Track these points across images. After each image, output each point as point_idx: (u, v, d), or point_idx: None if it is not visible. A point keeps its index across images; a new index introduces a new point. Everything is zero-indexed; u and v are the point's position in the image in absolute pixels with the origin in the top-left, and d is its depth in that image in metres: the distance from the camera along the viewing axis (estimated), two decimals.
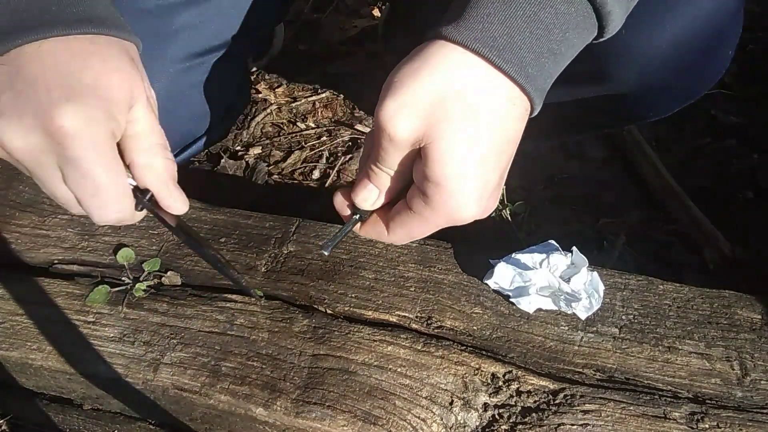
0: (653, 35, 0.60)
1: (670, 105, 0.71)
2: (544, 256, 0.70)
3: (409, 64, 0.42)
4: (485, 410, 0.62)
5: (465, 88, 0.41)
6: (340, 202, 0.51)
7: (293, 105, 1.32)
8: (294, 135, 1.26)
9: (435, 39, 0.43)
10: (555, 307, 0.68)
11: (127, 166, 0.47)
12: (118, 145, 0.46)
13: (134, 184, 0.48)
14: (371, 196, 0.48)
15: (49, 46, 0.42)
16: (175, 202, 0.49)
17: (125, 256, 0.74)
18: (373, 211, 0.50)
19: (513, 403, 0.62)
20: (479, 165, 0.42)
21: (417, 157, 0.44)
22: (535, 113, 0.46)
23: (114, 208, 0.45)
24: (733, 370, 0.64)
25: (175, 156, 0.83)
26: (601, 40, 0.46)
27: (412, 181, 0.46)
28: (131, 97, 0.45)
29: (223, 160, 1.21)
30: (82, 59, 0.43)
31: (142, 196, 0.48)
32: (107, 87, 0.43)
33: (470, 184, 0.42)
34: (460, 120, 0.41)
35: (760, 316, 0.69)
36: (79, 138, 0.41)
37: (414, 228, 0.47)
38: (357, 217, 0.50)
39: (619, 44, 0.59)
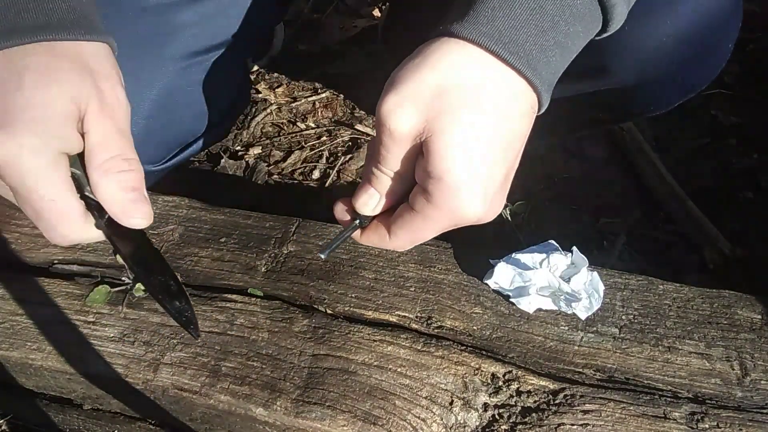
0: (653, 28, 0.60)
1: (670, 99, 0.71)
2: (544, 256, 0.70)
3: (411, 61, 0.42)
4: (485, 410, 0.62)
5: (467, 81, 0.40)
6: (340, 210, 0.49)
7: (293, 105, 1.32)
8: (294, 135, 1.26)
9: (438, 36, 0.42)
10: (555, 307, 0.68)
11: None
12: (83, 157, 0.43)
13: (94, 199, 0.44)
14: (372, 200, 0.47)
15: None
16: (131, 219, 0.44)
17: None
18: (374, 217, 0.49)
19: (513, 403, 0.62)
20: (483, 159, 0.41)
21: (419, 156, 0.43)
22: (543, 109, 0.45)
23: (60, 232, 0.43)
24: (733, 370, 0.64)
25: (175, 156, 0.83)
26: (605, 35, 0.46)
27: (413, 185, 0.45)
28: (76, 108, 0.42)
29: (223, 160, 1.22)
30: (17, 77, 0.40)
31: (98, 215, 0.44)
32: (43, 105, 0.40)
33: (473, 178, 0.41)
34: (462, 113, 0.40)
35: (760, 316, 0.69)
36: (11, 168, 0.39)
37: (417, 230, 0.45)
38: (357, 222, 0.49)
39: (618, 38, 0.59)
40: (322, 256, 0.49)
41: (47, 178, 0.41)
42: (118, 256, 0.45)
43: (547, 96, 0.43)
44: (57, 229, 0.43)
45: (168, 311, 0.45)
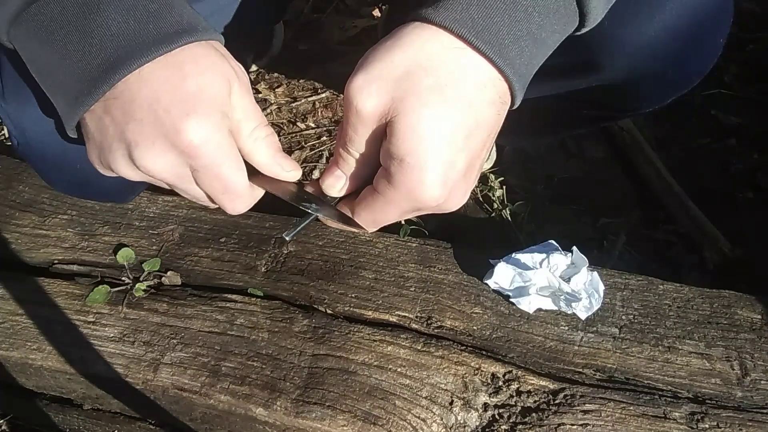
0: (642, 23, 0.60)
1: (662, 95, 0.70)
2: (544, 256, 0.70)
3: (383, 43, 0.42)
4: (485, 410, 0.62)
5: (436, 65, 0.41)
6: (310, 189, 0.50)
7: (293, 105, 1.32)
8: (294, 135, 1.26)
9: (412, 20, 0.42)
10: (555, 307, 0.68)
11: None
12: None
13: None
14: (338, 182, 0.47)
15: (148, 69, 0.43)
16: (288, 172, 0.50)
17: (125, 256, 0.74)
18: (339, 199, 0.49)
19: (513, 403, 0.62)
20: (444, 143, 0.41)
21: (383, 138, 0.43)
22: (517, 102, 0.45)
23: (243, 200, 0.48)
24: (733, 370, 0.64)
25: None
26: (584, 30, 0.46)
27: (379, 168, 0.45)
28: (228, 86, 0.46)
29: None
30: (180, 70, 0.44)
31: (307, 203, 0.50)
32: (210, 88, 0.45)
33: (434, 162, 0.41)
34: (427, 95, 0.40)
35: (760, 316, 0.69)
36: (206, 147, 0.43)
37: (378, 211, 0.45)
38: (316, 207, 0.49)
39: (608, 33, 0.59)
40: (287, 238, 0.50)
41: (233, 153, 0.46)
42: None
43: (519, 87, 0.43)
44: (241, 199, 0.48)
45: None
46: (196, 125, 0.43)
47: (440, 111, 0.40)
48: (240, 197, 0.48)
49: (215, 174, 0.45)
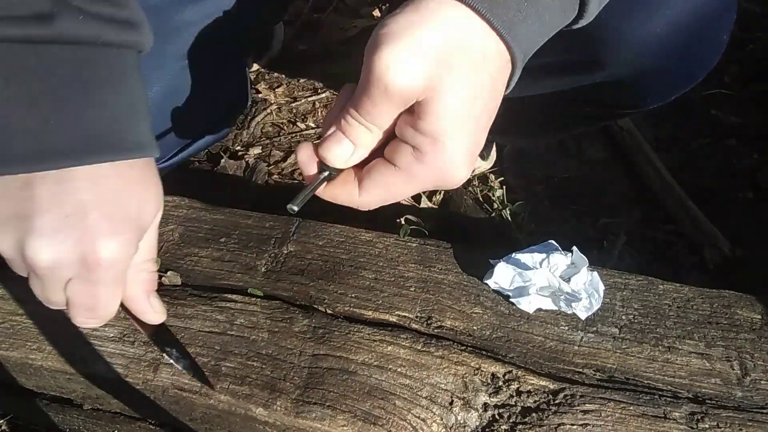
0: (648, 18, 0.61)
1: (665, 92, 0.71)
2: (544, 255, 0.70)
3: (404, 16, 0.40)
4: (485, 410, 0.62)
5: (468, 44, 0.40)
6: (307, 156, 0.45)
7: (293, 105, 1.32)
8: (294, 135, 1.26)
9: None
10: (555, 307, 0.68)
11: None
12: None
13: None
14: (345, 152, 0.43)
15: (105, 171, 0.42)
16: (152, 315, 0.51)
17: None
18: (342, 170, 0.45)
19: (513, 403, 0.62)
20: (474, 125, 0.41)
21: (403, 112, 0.42)
22: (512, 86, 0.45)
23: (96, 323, 0.47)
24: (733, 370, 0.64)
25: (175, 155, 0.83)
26: (581, 23, 0.46)
27: (387, 139, 0.43)
28: (154, 221, 0.47)
29: (223, 160, 1.21)
30: (129, 187, 0.43)
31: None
32: (145, 215, 0.45)
33: (465, 143, 0.41)
34: (463, 76, 0.40)
35: (760, 316, 0.69)
36: (109, 269, 0.43)
37: (397, 186, 0.43)
38: (326, 174, 0.44)
39: (613, 29, 0.59)
40: (295, 208, 0.45)
41: (122, 278, 0.45)
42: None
43: (520, 66, 0.43)
44: (100, 322, 0.47)
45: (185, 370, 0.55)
46: (116, 247, 0.42)
47: (473, 93, 0.40)
48: (97, 319, 0.47)
49: (95, 293, 0.44)
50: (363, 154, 0.44)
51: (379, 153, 0.45)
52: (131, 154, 0.43)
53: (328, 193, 0.46)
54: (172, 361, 0.53)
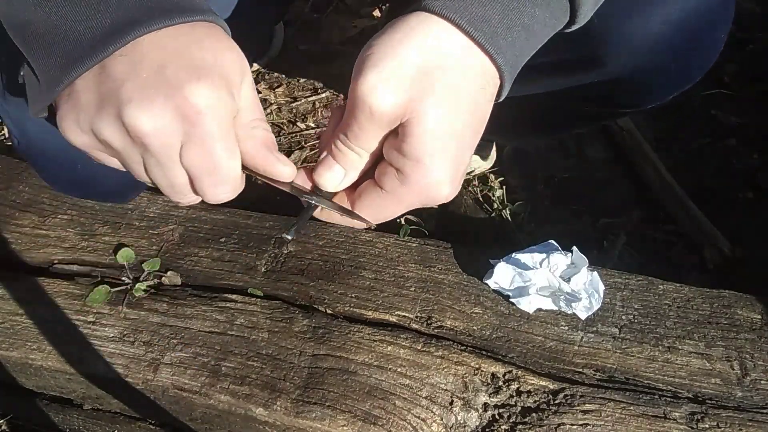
0: (647, 17, 0.61)
1: (665, 90, 0.71)
2: (544, 255, 0.70)
3: (388, 36, 0.41)
4: (485, 410, 0.62)
5: (448, 63, 0.41)
6: (302, 181, 0.48)
7: (293, 105, 1.32)
8: (294, 135, 1.26)
9: (415, 11, 0.42)
10: (555, 307, 0.68)
11: None
12: None
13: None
14: (337, 177, 0.46)
15: (166, 33, 0.42)
16: (279, 168, 0.47)
17: (125, 256, 0.74)
18: (335, 193, 0.47)
19: (513, 403, 0.62)
20: (456, 143, 0.42)
21: (389, 134, 0.43)
22: (504, 95, 0.45)
23: (227, 188, 0.45)
24: (733, 370, 0.64)
25: None
26: (574, 27, 0.46)
27: (377, 160, 0.45)
28: (242, 74, 0.45)
29: None
30: (199, 42, 0.43)
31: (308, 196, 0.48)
32: (226, 66, 0.43)
33: (448, 162, 0.41)
34: (443, 96, 0.40)
35: (760, 316, 0.69)
36: (209, 115, 0.42)
37: (385, 208, 0.45)
38: (314, 199, 0.47)
39: (612, 27, 0.59)
40: (289, 237, 0.48)
41: (231, 132, 0.44)
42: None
43: (509, 78, 0.44)
44: (227, 185, 0.45)
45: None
46: (206, 90, 0.41)
47: (453, 112, 0.41)
48: (225, 183, 0.45)
49: (209, 148, 0.43)
50: (353, 176, 0.46)
51: (370, 173, 0.46)
52: (188, 17, 0.43)
53: (325, 215, 0.49)
54: (312, 206, 0.48)
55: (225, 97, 0.43)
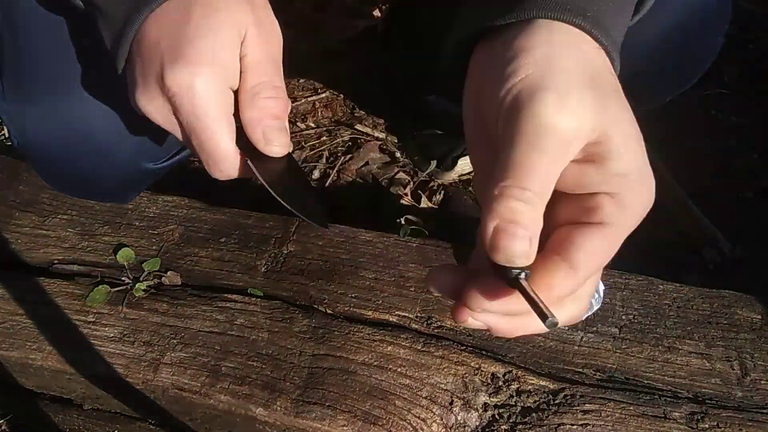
0: (643, 20, 0.61)
1: (661, 93, 0.71)
2: None
3: (531, 51, 0.35)
4: (485, 410, 0.62)
5: (604, 69, 0.37)
6: (450, 282, 0.37)
7: (293, 105, 1.32)
8: (294, 135, 1.26)
9: (533, 19, 0.37)
10: None
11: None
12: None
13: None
14: (525, 245, 0.33)
15: (161, 9, 0.42)
16: (268, 145, 0.45)
17: (125, 256, 0.74)
18: (530, 267, 0.34)
19: (513, 403, 0.62)
20: (642, 145, 0.36)
21: (571, 163, 0.35)
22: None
23: (225, 166, 0.44)
24: (733, 370, 0.64)
25: (175, 155, 0.83)
26: (636, 18, 0.46)
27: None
28: (237, 33, 0.43)
29: None
30: (186, 12, 0.42)
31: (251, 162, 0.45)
32: (209, 33, 0.42)
33: (648, 167, 0.36)
34: (614, 99, 0.36)
35: (760, 316, 0.69)
36: (186, 98, 0.41)
37: (610, 248, 0.36)
38: (522, 276, 0.34)
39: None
40: (557, 321, 0.33)
41: (216, 111, 0.42)
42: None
43: (616, 68, 0.42)
44: (218, 165, 0.44)
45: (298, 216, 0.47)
46: (180, 72, 0.41)
47: (628, 111, 0.37)
48: (220, 161, 0.44)
49: (193, 128, 0.42)
50: (538, 233, 0.34)
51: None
52: None
53: (544, 292, 0.34)
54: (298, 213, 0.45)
55: (206, 73, 0.41)
